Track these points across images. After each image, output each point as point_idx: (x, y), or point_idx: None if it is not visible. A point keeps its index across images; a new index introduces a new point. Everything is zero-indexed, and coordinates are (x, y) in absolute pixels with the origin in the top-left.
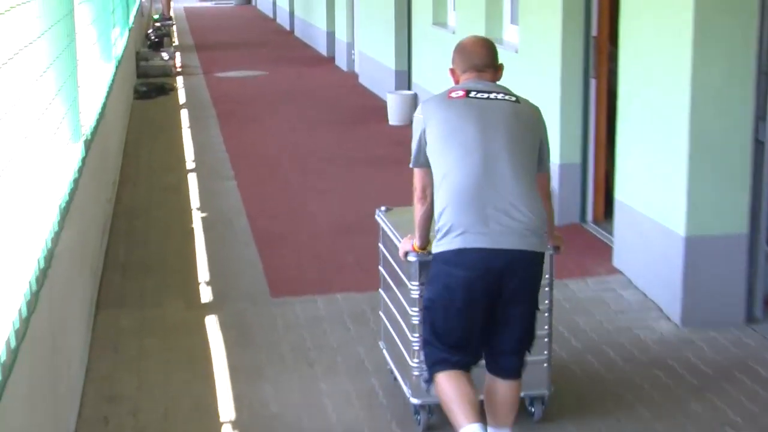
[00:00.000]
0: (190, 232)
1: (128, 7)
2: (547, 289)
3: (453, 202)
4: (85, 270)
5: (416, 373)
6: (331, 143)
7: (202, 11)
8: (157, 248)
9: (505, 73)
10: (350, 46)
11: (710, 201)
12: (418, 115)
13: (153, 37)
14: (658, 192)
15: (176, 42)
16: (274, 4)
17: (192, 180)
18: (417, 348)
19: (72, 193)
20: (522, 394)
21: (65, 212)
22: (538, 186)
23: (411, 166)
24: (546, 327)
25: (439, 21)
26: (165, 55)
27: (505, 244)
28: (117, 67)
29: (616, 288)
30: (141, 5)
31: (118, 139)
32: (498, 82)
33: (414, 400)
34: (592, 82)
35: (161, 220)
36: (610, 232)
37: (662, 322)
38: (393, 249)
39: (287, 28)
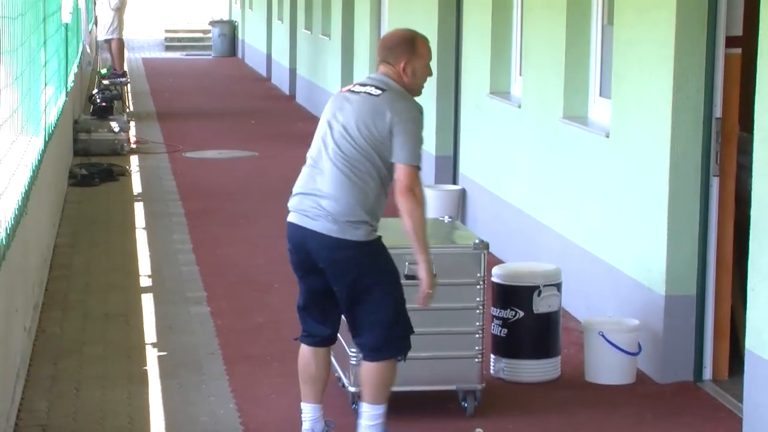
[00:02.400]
0: (141, 380)
1: (67, 59)
2: (478, 286)
3: (296, 185)
4: None
5: (353, 362)
6: None
7: (169, 65)
8: (92, 407)
9: (589, 162)
10: None
11: None
12: None
13: (99, 101)
14: None
15: (131, 107)
16: (269, 58)
17: (146, 304)
18: (352, 336)
19: None
20: (454, 387)
21: None
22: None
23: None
24: (477, 323)
25: (499, 90)
26: (115, 126)
27: (306, 223)
28: (47, 143)
29: None
30: (83, 55)
31: (44, 245)
32: (405, 79)
33: (352, 389)
34: (714, 182)
35: (99, 363)
36: (738, 397)
37: None
38: None
39: (286, 91)
